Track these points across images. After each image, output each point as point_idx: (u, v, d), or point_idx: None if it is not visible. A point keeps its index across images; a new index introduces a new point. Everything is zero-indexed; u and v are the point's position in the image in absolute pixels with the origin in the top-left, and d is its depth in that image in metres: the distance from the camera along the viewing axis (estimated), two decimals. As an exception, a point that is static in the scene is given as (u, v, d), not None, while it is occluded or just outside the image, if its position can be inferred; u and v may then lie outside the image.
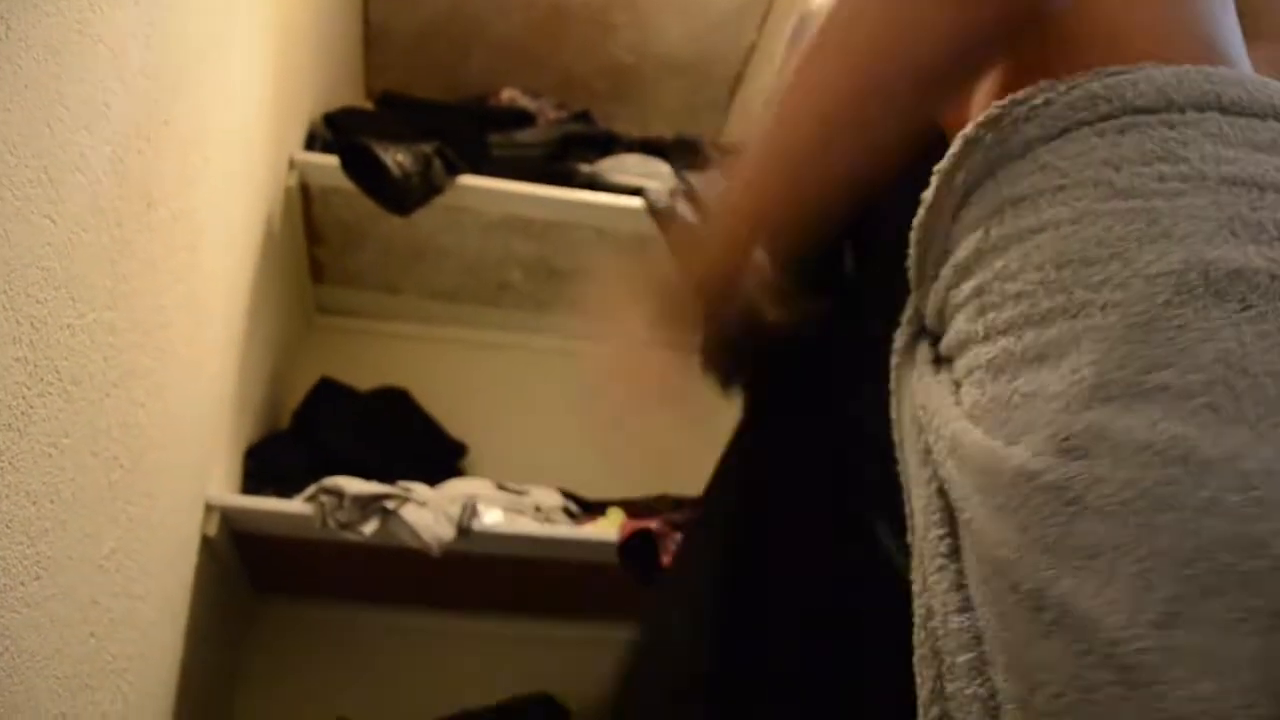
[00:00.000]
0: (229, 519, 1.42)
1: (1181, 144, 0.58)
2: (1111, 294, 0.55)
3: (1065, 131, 0.62)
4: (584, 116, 2.20)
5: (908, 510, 0.72)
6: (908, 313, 0.76)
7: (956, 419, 0.62)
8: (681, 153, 2.01)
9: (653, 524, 1.48)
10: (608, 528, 1.56)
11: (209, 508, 1.38)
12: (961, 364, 0.65)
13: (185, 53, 1.05)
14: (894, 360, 0.77)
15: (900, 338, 0.77)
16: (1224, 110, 0.59)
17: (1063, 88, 0.63)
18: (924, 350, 0.72)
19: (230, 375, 1.43)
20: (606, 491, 1.82)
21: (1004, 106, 0.64)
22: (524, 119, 2.04)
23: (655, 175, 1.85)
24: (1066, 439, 0.54)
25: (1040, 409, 0.56)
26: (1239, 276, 0.53)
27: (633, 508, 1.66)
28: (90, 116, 0.82)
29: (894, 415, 0.77)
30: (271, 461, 1.62)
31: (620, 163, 1.91)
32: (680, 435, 2.11)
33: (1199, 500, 0.49)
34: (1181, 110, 0.59)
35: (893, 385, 0.77)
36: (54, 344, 0.80)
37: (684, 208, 1.74)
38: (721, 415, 2.17)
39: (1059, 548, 0.53)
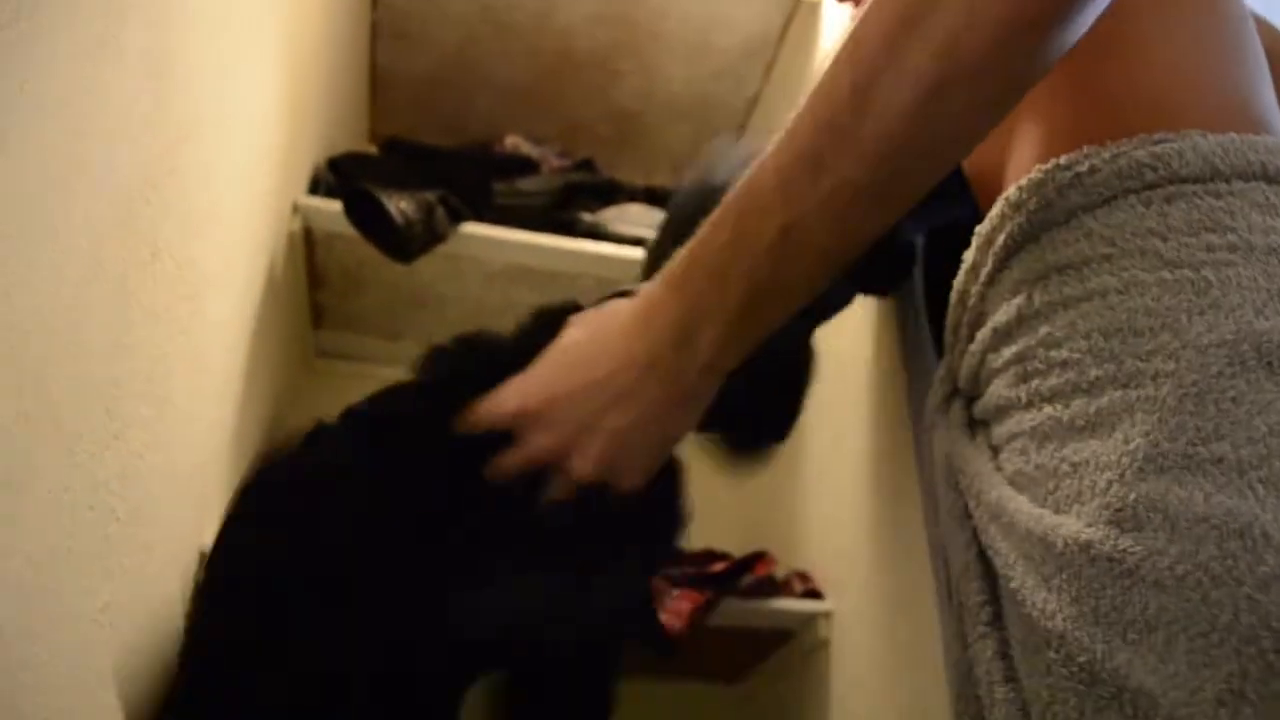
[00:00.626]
0: (224, 567, 1.41)
1: (1229, 214, 0.59)
2: (1163, 364, 0.55)
3: (1111, 200, 0.62)
4: (587, 164, 2.20)
5: (943, 573, 0.72)
6: (940, 372, 0.76)
7: (998, 485, 0.62)
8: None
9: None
10: (606, 581, 1.54)
11: (203, 556, 1.36)
12: (1000, 430, 0.64)
13: (192, 102, 1.06)
14: (926, 420, 0.76)
15: (933, 398, 0.76)
16: (1270, 180, 0.60)
17: (1107, 155, 0.63)
18: (957, 412, 0.71)
19: (229, 422, 1.42)
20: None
21: (1047, 171, 0.65)
22: (527, 166, 2.05)
23: (658, 225, 1.85)
24: (1120, 510, 0.53)
25: (1092, 479, 0.55)
26: None
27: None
28: (99, 171, 0.82)
29: (922, 476, 0.77)
30: (268, 508, 1.61)
31: (623, 212, 1.91)
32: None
33: (1259, 576, 0.48)
34: (1228, 180, 0.60)
35: (925, 446, 0.77)
36: (59, 401, 0.79)
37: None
38: (718, 474, 2.16)
39: (1115, 620, 0.52)
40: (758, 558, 1.69)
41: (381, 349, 2.10)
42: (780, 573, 1.68)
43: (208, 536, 1.37)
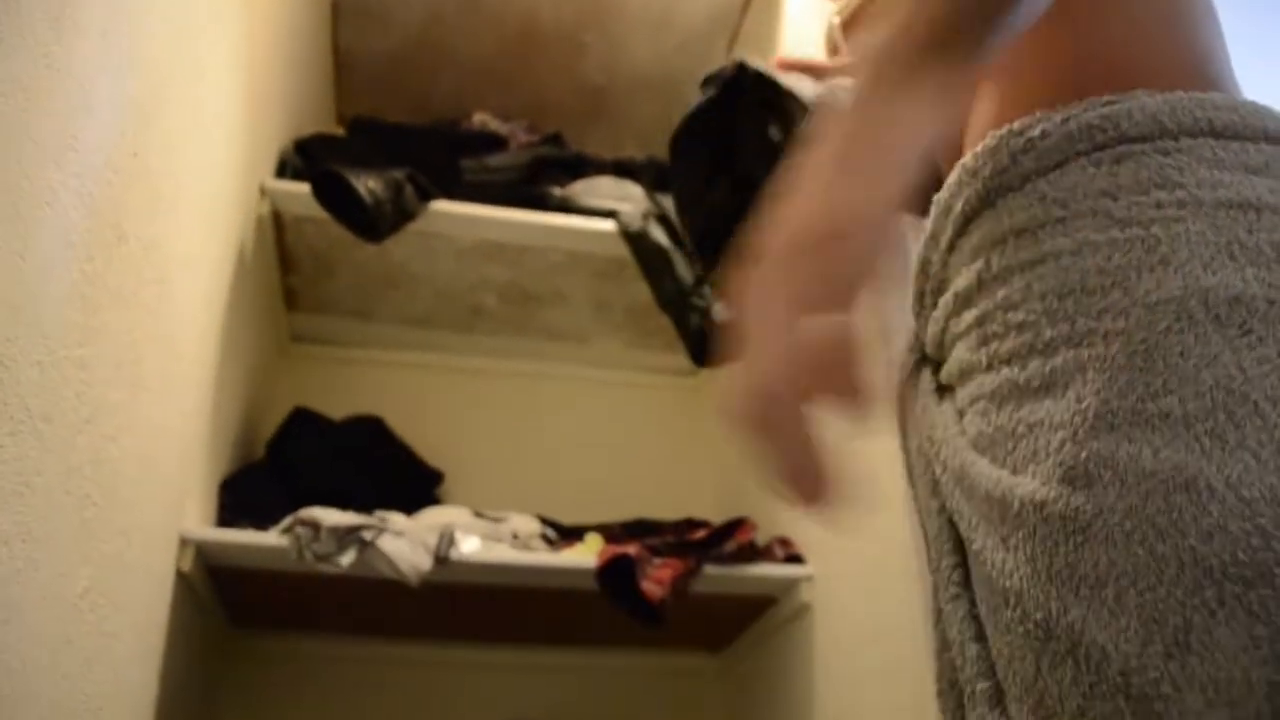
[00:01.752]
0: (204, 553, 1.40)
1: (1177, 170, 0.59)
2: (1113, 322, 0.56)
3: (1062, 163, 0.62)
4: (555, 139, 2.20)
5: (923, 541, 0.72)
6: (908, 340, 0.76)
7: (962, 449, 0.63)
8: (652, 174, 2.01)
9: (631, 549, 1.47)
10: (586, 554, 1.55)
11: (184, 542, 1.36)
12: (964, 393, 0.65)
13: (154, 83, 1.05)
14: (897, 389, 0.77)
15: (902, 367, 0.77)
16: (1217, 135, 0.60)
17: (1058, 119, 0.63)
18: (926, 379, 0.72)
19: (204, 407, 1.41)
20: (583, 516, 1.82)
21: (1001, 137, 0.65)
22: (496, 143, 2.04)
23: (627, 198, 1.85)
24: (1072, 468, 0.54)
25: (1046, 438, 0.56)
26: (1238, 302, 0.54)
27: (610, 533, 1.65)
28: (58, 150, 0.81)
29: (900, 444, 0.77)
30: (247, 494, 1.60)
31: (593, 186, 1.91)
32: (656, 459, 2.11)
33: (1203, 528, 0.49)
34: (1175, 137, 0.60)
35: (897, 414, 0.77)
36: (24, 382, 0.78)
37: (657, 232, 1.74)
38: (697, 439, 2.17)
39: (1067, 577, 0.53)
40: (738, 524, 1.70)
41: (355, 330, 2.09)
42: (761, 538, 1.69)
43: (187, 521, 1.37)
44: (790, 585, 1.61)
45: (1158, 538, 0.50)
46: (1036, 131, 0.64)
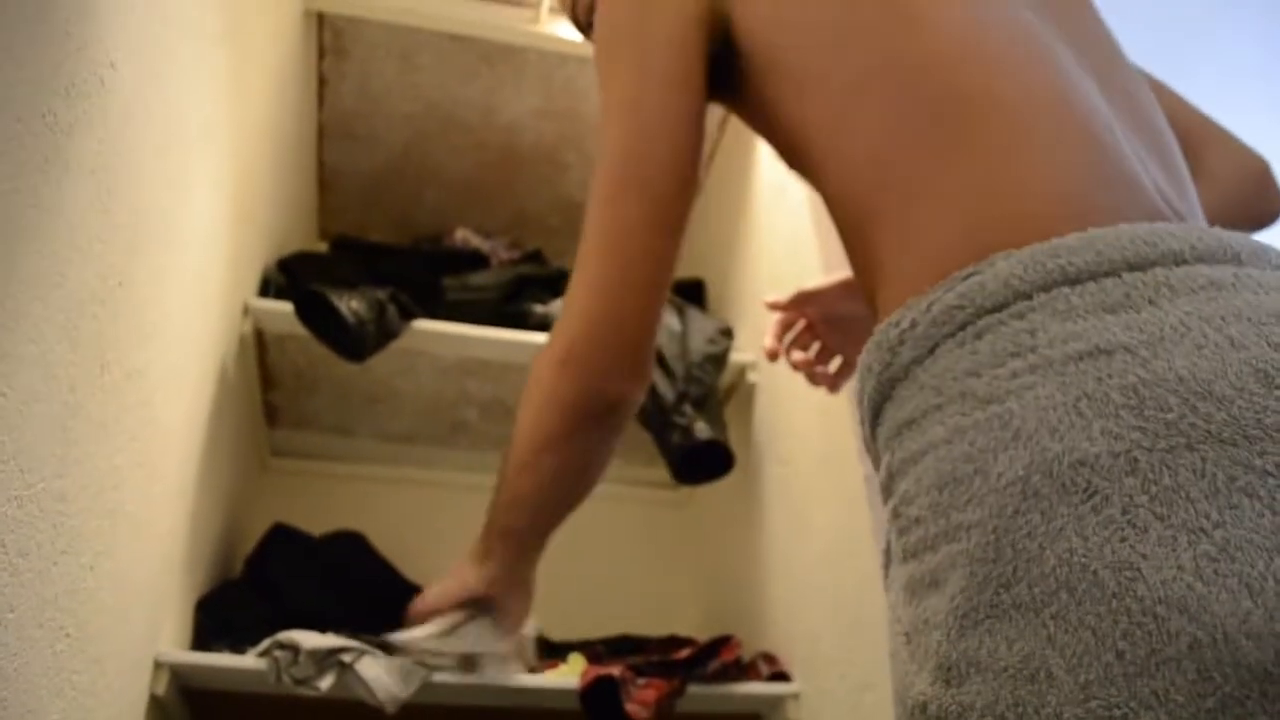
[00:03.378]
0: (179, 676, 1.38)
1: (1030, 333, 0.58)
2: (972, 513, 0.56)
3: (934, 349, 0.62)
4: (536, 255, 2.23)
5: None
6: (887, 514, 0.78)
7: (897, 634, 0.63)
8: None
9: (614, 670, 1.45)
10: (569, 674, 1.53)
11: (158, 665, 1.34)
12: (894, 578, 0.65)
13: (142, 212, 1.06)
14: (881, 560, 0.78)
15: (883, 539, 0.78)
16: (1071, 282, 0.59)
17: (924, 304, 0.63)
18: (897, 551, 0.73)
19: (182, 526, 1.41)
20: (566, 632, 1.80)
21: (883, 331, 0.66)
22: (477, 261, 2.07)
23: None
24: (947, 669, 0.55)
25: (930, 637, 0.57)
26: (1083, 464, 0.53)
27: (594, 652, 1.63)
28: (45, 288, 0.82)
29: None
30: (224, 613, 1.58)
31: (573, 302, 1.93)
32: (639, 574, 2.10)
33: (1043, 719, 0.49)
34: (1029, 296, 0.59)
35: (885, 586, 0.78)
36: (1, 518, 0.78)
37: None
38: (681, 554, 2.16)
39: None
40: (723, 642, 1.68)
41: (336, 445, 2.09)
42: (746, 656, 1.67)
43: (162, 643, 1.35)
44: (776, 703, 1.59)
45: None
46: (907, 321, 0.64)
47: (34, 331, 0.81)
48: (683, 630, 1.87)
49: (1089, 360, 0.55)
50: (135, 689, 1.26)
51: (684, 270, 2.40)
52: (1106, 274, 0.58)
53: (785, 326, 1.13)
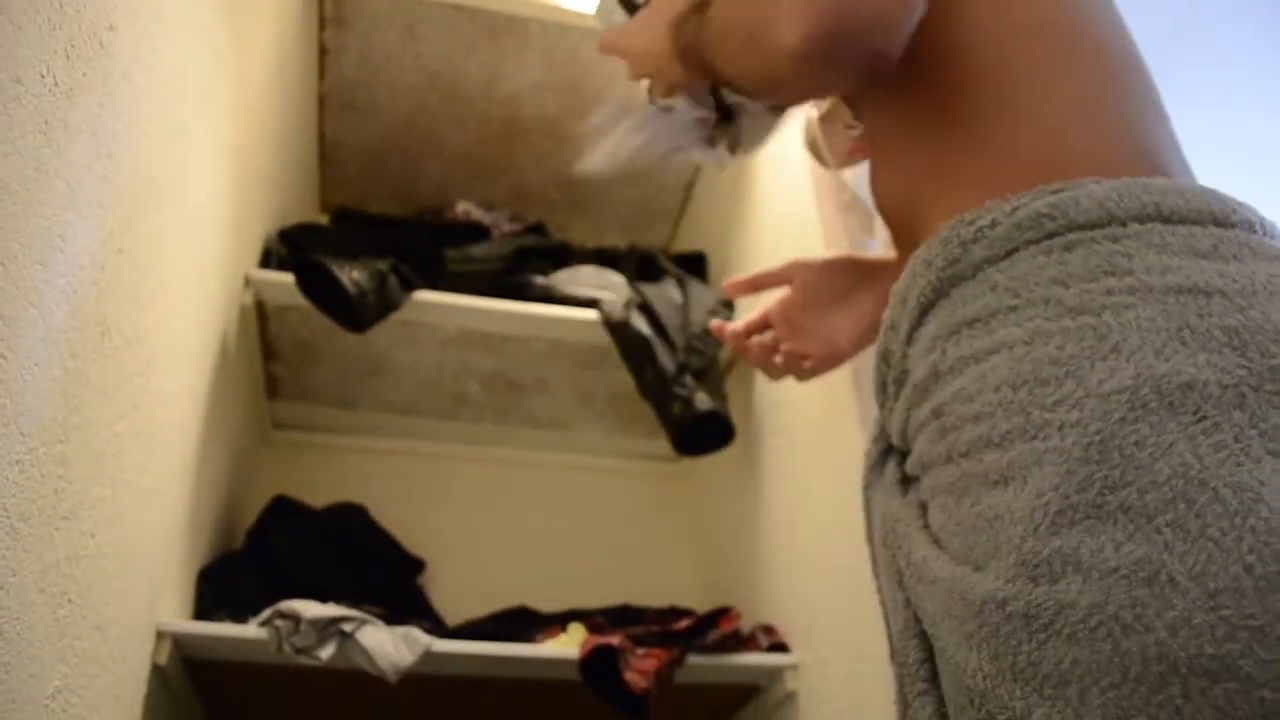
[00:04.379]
0: (181, 645, 1.38)
1: (1126, 256, 0.59)
2: (1068, 414, 0.55)
3: (1013, 251, 0.63)
4: (538, 229, 2.22)
5: (889, 633, 0.72)
6: (873, 431, 0.77)
7: (924, 543, 0.63)
8: (634, 262, 2.04)
9: (614, 640, 1.46)
10: (569, 644, 1.53)
11: (160, 634, 1.34)
12: (926, 485, 0.65)
13: (142, 177, 1.06)
14: (863, 480, 0.77)
15: (868, 457, 0.77)
16: (1165, 220, 0.61)
17: (1008, 208, 0.64)
18: (891, 469, 0.72)
19: (184, 497, 1.41)
20: (567, 603, 1.80)
21: (952, 227, 0.66)
22: (479, 233, 2.06)
23: (609, 286, 1.87)
24: (1035, 564, 0.53)
25: (1006, 533, 0.56)
26: (1191, 388, 0.53)
27: (594, 622, 1.64)
28: (45, 251, 0.82)
29: (865, 535, 0.77)
30: (225, 583, 1.59)
31: (575, 274, 1.93)
32: (639, 546, 2.11)
33: (1167, 621, 0.48)
34: (1124, 223, 0.61)
35: (863, 505, 0.77)
36: (2, 481, 0.78)
37: (639, 320, 1.76)
38: (681, 526, 2.16)
39: (1030, 676, 0.52)
40: (722, 613, 1.69)
41: (337, 418, 2.09)
42: (745, 627, 1.68)
43: (164, 613, 1.35)
44: (775, 674, 1.59)
45: (1123, 633, 0.49)
46: (986, 220, 0.65)
47: (34, 295, 0.80)
48: (683, 601, 1.87)
49: (1188, 295, 0.57)
50: (137, 658, 1.26)
51: (685, 243, 2.39)
52: (1195, 221, 0.61)
53: (756, 328, 1.13)
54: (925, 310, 0.68)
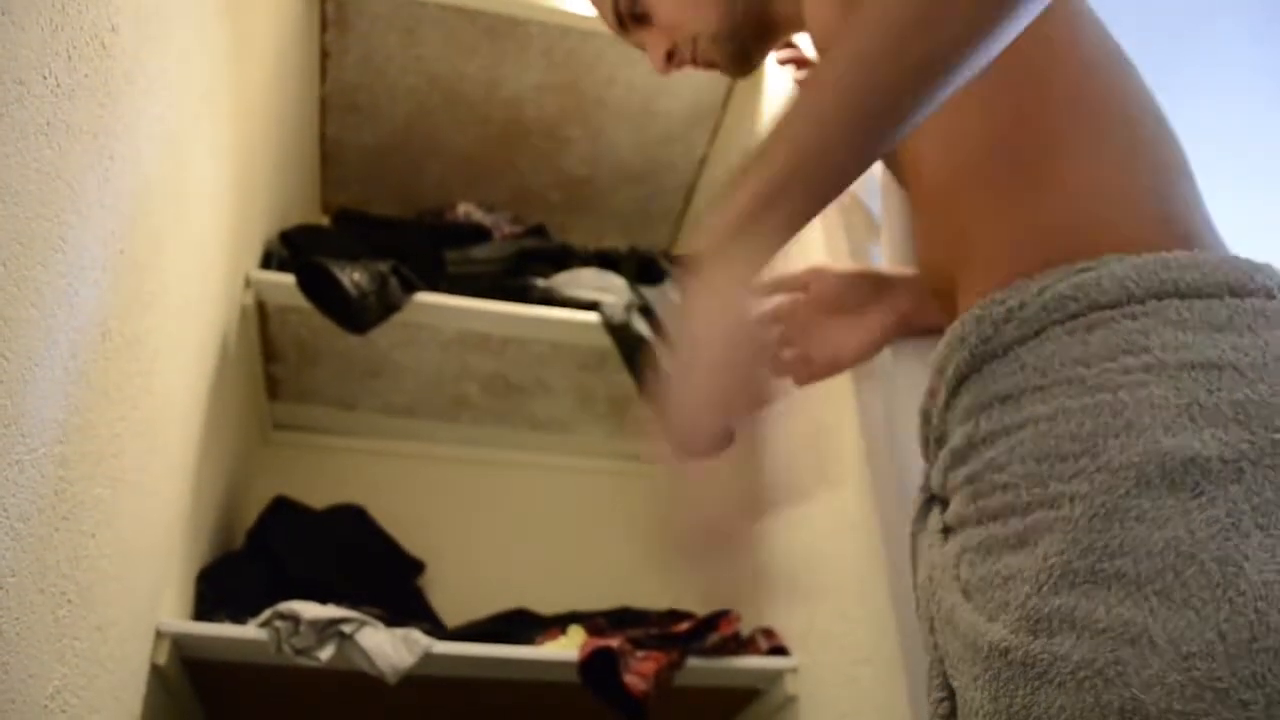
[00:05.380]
0: (180, 646, 1.38)
1: (1143, 334, 0.63)
2: (1079, 486, 0.60)
3: (1040, 332, 0.67)
4: (539, 230, 2.22)
5: (926, 670, 0.77)
6: (922, 480, 0.80)
7: (954, 592, 0.67)
8: (634, 265, 2.04)
9: (613, 642, 1.46)
10: (568, 647, 1.53)
11: (159, 635, 1.34)
12: (959, 541, 0.69)
13: (143, 178, 1.06)
14: (911, 528, 0.81)
15: (915, 505, 0.81)
16: (1182, 295, 0.64)
17: (1035, 289, 0.68)
18: (934, 518, 0.77)
19: (184, 497, 1.41)
20: (566, 605, 1.80)
21: (985, 307, 0.70)
22: (480, 235, 2.07)
23: (610, 289, 1.87)
24: (1035, 620, 0.59)
25: (1016, 590, 0.61)
26: (1192, 465, 0.57)
27: (594, 624, 1.64)
28: (46, 252, 0.82)
29: (912, 579, 0.81)
30: (225, 584, 1.59)
31: (576, 277, 1.93)
32: (639, 548, 2.09)
33: (1143, 679, 0.53)
34: (1142, 301, 0.64)
35: (910, 551, 0.81)
36: (2, 481, 0.78)
37: (639, 323, 1.76)
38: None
39: (1022, 717, 0.58)
40: (722, 616, 1.69)
41: (337, 419, 2.09)
42: (745, 630, 1.68)
43: (163, 613, 1.36)
44: (775, 677, 1.59)
45: (1105, 686, 0.55)
46: (1016, 302, 0.68)
47: (34, 296, 0.81)
48: (682, 605, 1.87)
49: (1200, 370, 0.61)
50: (137, 658, 1.26)
51: (687, 245, 2.39)
52: (1211, 294, 0.64)
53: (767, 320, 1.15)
54: (960, 382, 0.72)
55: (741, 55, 1.10)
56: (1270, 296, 0.64)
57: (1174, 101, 0.82)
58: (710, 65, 1.12)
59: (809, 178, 0.67)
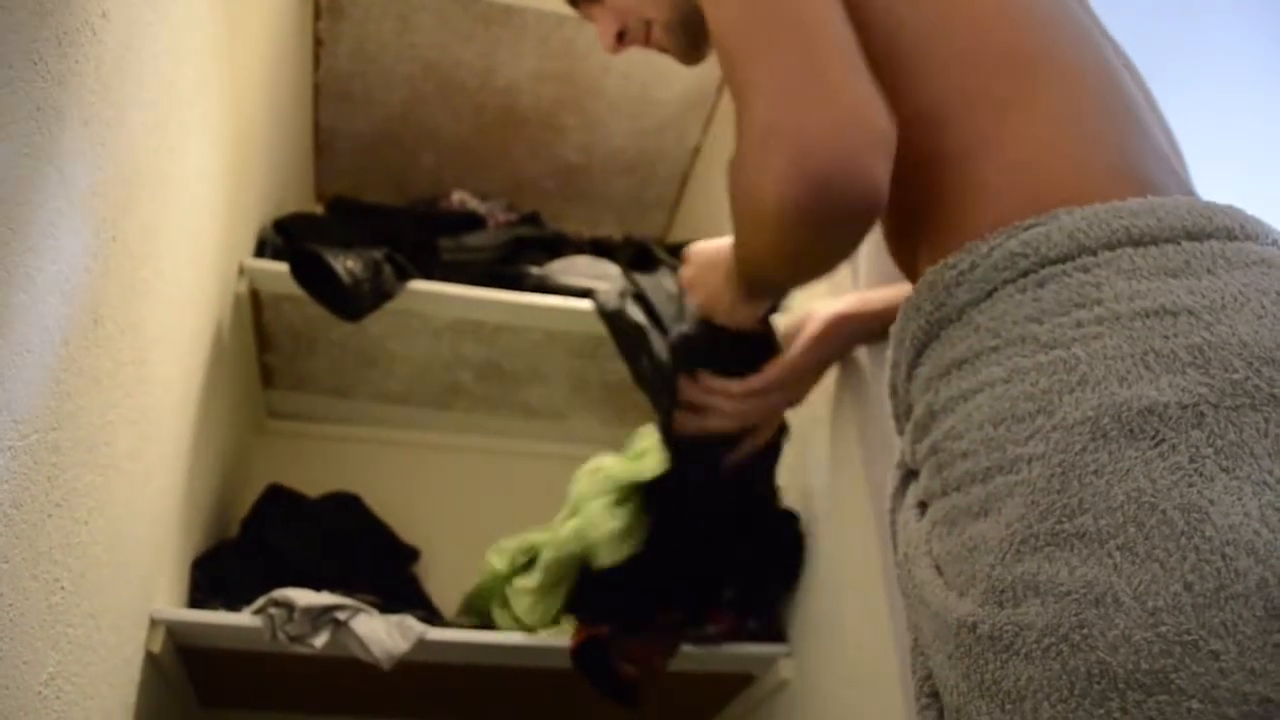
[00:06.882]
0: (175, 633, 1.39)
1: (1095, 286, 0.61)
2: (1036, 447, 0.59)
3: (992, 292, 0.66)
4: (533, 218, 2.22)
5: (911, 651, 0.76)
6: (898, 457, 0.79)
7: (926, 568, 0.66)
8: (629, 252, 2.03)
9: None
10: (561, 634, 1.54)
11: (154, 622, 1.34)
12: (929, 515, 0.68)
13: (136, 165, 1.06)
14: (888, 504, 0.80)
15: (892, 481, 0.80)
16: (1135, 243, 0.62)
17: (985, 249, 0.66)
18: (911, 493, 0.75)
19: (178, 486, 1.41)
20: (562, 593, 1.80)
21: (936, 272, 0.69)
22: (474, 223, 2.06)
23: (604, 276, 1.86)
24: (1001, 590, 0.57)
25: (980, 561, 0.60)
26: (1151, 412, 0.56)
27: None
28: (37, 238, 0.82)
29: (895, 556, 0.80)
30: (219, 572, 1.59)
31: (570, 264, 1.93)
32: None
33: (1109, 640, 0.52)
34: (1094, 252, 0.63)
35: (889, 527, 0.80)
36: (-6, 468, 0.78)
37: (634, 310, 1.76)
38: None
39: (995, 693, 0.57)
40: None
41: (332, 407, 2.09)
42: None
43: (158, 601, 1.36)
44: (769, 662, 1.60)
45: (1071, 651, 0.53)
46: (965, 264, 0.67)
47: (26, 282, 0.80)
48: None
49: (1155, 318, 0.59)
50: (131, 646, 1.26)
51: (681, 233, 2.39)
52: (1167, 240, 0.62)
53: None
54: (919, 351, 0.71)
55: (692, 46, 1.08)
56: (1231, 237, 0.62)
57: (1172, 92, 0.81)
58: (662, 49, 1.11)
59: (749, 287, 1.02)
